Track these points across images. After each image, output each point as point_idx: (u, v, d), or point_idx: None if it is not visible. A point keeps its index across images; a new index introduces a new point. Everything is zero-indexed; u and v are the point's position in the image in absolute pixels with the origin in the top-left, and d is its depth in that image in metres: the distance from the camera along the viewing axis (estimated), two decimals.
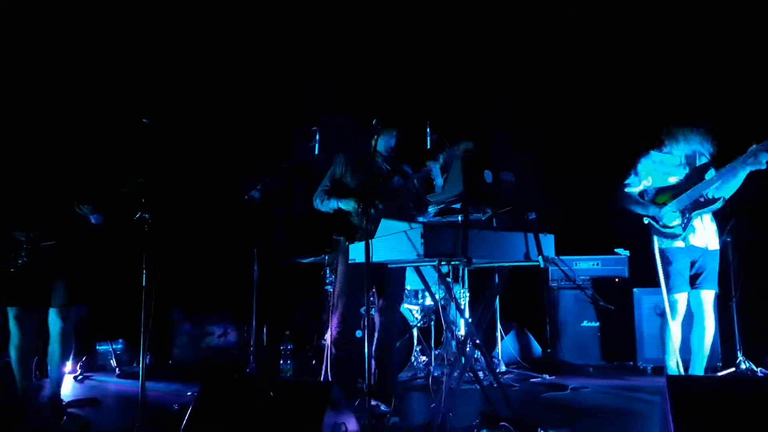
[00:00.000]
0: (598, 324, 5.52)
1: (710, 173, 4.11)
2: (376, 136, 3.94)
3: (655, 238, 4.20)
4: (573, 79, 5.83)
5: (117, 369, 5.43)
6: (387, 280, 3.87)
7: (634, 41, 5.62)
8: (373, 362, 3.61)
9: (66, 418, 3.49)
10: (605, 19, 5.68)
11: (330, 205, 3.96)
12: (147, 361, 3.36)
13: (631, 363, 5.31)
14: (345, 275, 3.84)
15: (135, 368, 5.37)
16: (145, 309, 3.25)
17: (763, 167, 3.90)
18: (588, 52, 5.80)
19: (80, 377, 5.12)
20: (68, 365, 4.51)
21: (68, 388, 4.64)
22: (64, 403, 3.76)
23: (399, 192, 3.97)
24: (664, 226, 4.15)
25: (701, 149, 4.18)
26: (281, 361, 5.16)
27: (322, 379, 3.91)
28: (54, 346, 3.66)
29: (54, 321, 3.63)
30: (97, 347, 5.69)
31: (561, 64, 5.85)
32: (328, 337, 3.92)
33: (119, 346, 5.69)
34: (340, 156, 4.08)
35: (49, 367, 3.71)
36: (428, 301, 5.16)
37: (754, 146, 3.88)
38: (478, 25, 5.99)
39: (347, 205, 3.89)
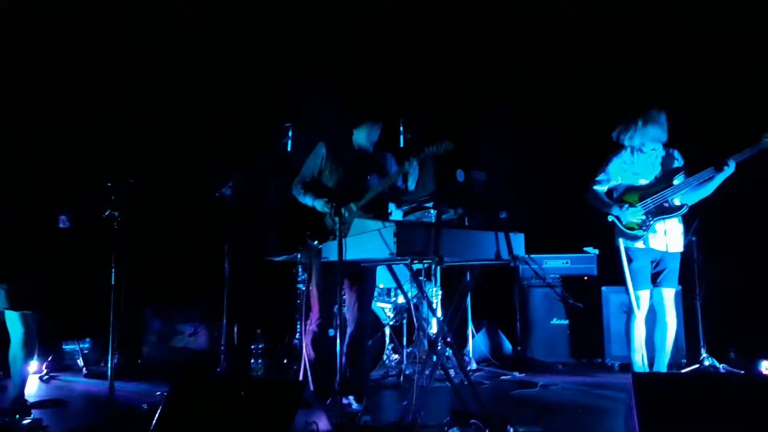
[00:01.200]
0: (567, 322, 5.60)
1: (679, 178, 4.20)
2: (361, 128, 3.91)
3: (619, 237, 4.29)
4: (545, 78, 5.88)
5: (84, 369, 5.33)
6: (360, 278, 3.86)
7: (608, 40, 5.69)
8: (344, 360, 3.60)
9: (30, 420, 3.41)
10: (580, 17, 5.74)
11: (306, 201, 3.90)
12: (115, 360, 3.31)
13: (599, 360, 5.40)
14: (319, 276, 3.82)
15: (103, 368, 5.26)
16: (114, 307, 3.21)
17: (725, 178, 4.01)
18: (558, 52, 5.86)
19: (46, 377, 5.02)
20: (33, 365, 4.43)
21: (33, 389, 4.55)
22: (28, 404, 3.69)
23: (373, 191, 3.92)
24: (627, 227, 4.24)
25: (657, 135, 4.24)
26: (252, 360, 5.12)
27: (300, 379, 3.87)
28: (15, 349, 3.57)
29: (13, 324, 3.54)
30: (64, 346, 5.58)
31: (534, 63, 5.91)
32: (304, 338, 3.89)
33: (86, 345, 5.58)
34: (322, 147, 3.95)
35: (11, 369, 3.62)
36: (400, 300, 5.17)
37: (724, 159, 3.98)
38: (451, 23, 6.01)
39: (321, 207, 3.81)
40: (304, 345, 3.85)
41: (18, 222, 3.58)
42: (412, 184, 3.78)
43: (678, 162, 4.30)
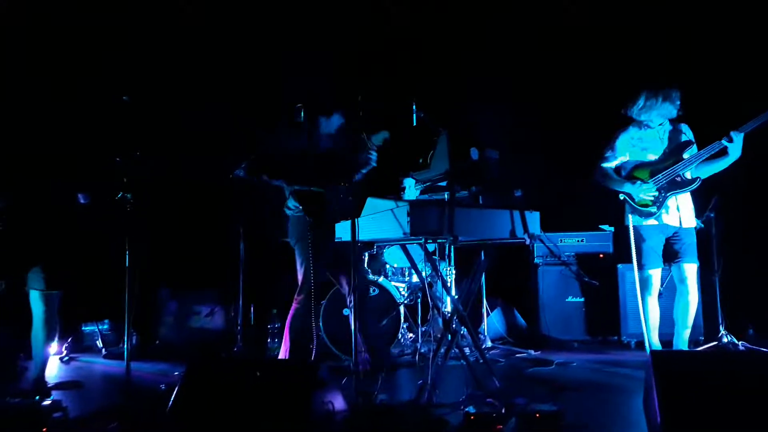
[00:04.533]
0: (582, 299, 5.57)
1: (689, 152, 4.13)
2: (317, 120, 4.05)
3: (629, 215, 4.25)
4: (558, 55, 5.79)
5: (103, 350, 5.40)
6: (338, 263, 3.94)
7: (618, 17, 5.59)
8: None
9: (50, 401, 3.46)
10: None
11: (262, 179, 4.06)
12: (133, 341, 3.35)
13: (615, 338, 5.37)
14: (302, 254, 3.97)
15: (121, 349, 5.32)
16: (129, 289, 3.22)
17: (737, 152, 3.93)
18: (573, 28, 5.76)
19: (66, 358, 5.09)
20: (53, 346, 4.48)
21: (54, 370, 4.62)
22: (48, 386, 3.74)
23: (347, 163, 4.00)
24: (640, 204, 4.18)
25: (669, 112, 4.16)
26: (268, 340, 5.16)
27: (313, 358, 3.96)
28: (37, 329, 3.62)
29: (36, 304, 3.59)
30: (83, 328, 5.65)
31: (548, 41, 5.82)
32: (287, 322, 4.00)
33: (105, 327, 5.65)
34: (281, 135, 4.12)
35: (33, 350, 3.67)
36: (414, 279, 5.17)
37: (733, 132, 3.92)
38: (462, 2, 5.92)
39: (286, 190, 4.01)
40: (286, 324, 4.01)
41: (46, 202, 3.62)
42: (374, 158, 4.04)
43: (686, 135, 4.23)
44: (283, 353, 4.02)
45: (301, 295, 3.97)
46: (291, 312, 4.01)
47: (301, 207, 3.98)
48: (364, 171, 4.07)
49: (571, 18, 5.71)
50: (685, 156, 4.11)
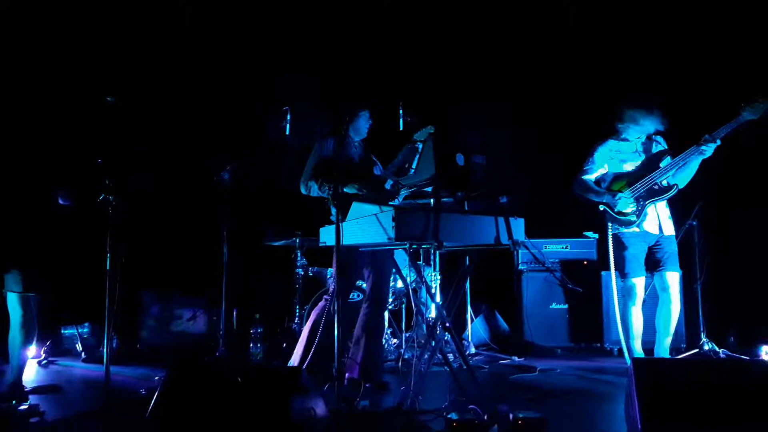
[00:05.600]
0: (566, 306, 5.59)
1: (665, 161, 4.21)
2: (354, 119, 3.93)
3: (609, 224, 4.29)
4: (543, 63, 5.83)
5: (83, 353, 5.33)
6: (376, 258, 3.87)
7: (602, 28, 5.65)
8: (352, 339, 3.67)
9: (27, 405, 3.40)
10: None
11: (313, 189, 3.84)
12: (114, 345, 3.30)
13: (598, 345, 5.40)
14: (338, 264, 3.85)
15: (101, 352, 5.26)
16: (109, 292, 3.18)
17: (709, 155, 3.99)
18: (562, 36, 5.80)
19: (44, 362, 5.01)
20: (32, 350, 4.41)
21: (31, 374, 4.54)
22: (26, 389, 3.68)
23: (380, 181, 3.94)
24: (619, 213, 4.24)
25: (655, 127, 4.22)
26: (251, 345, 5.12)
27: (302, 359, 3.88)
28: (14, 332, 3.56)
29: (13, 307, 3.53)
30: (63, 331, 5.57)
31: (537, 47, 5.85)
32: (309, 321, 3.91)
33: (85, 330, 5.57)
34: (330, 140, 3.91)
35: (9, 353, 3.60)
36: (399, 284, 5.16)
37: (706, 136, 3.97)
38: (449, 4, 5.94)
39: (351, 189, 3.75)
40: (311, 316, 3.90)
41: (25, 203, 3.57)
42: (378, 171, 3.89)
43: (661, 145, 4.32)
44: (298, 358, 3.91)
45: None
46: (316, 313, 3.88)
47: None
48: (401, 178, 3.92)
49: (559, 28, 5.76)
50: (662, 165, 4.19)
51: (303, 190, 3.92)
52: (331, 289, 3.88)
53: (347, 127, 3.92)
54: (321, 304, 3.93)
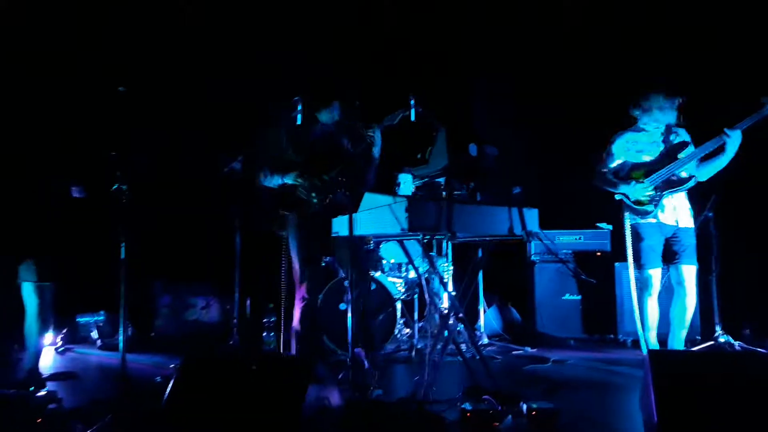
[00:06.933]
0: (579, 297, 5.57)
1: (684, 152, 4.14)
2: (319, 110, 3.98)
3: (626, 214, 4.25)
4: (557, 53, 5.78)
5: (99, 341, 5.39)
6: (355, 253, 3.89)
7: (617, 16, 5.58)
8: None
9: (45, 392, 3.45)
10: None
11: (274, 181, 3.96)
12: (129, 333, 3.33)
13: (612, 336, 5.38)
14: (299, 248, 3.86)
15: (117, 340, 5.31)
16: (124, 281, 3.21)
17: (733, 149, 3.94)
18: (575, 26, 5.74)
19: (61, 349, 5.08)
20: (48, 337, 4.47)
21: (48, 361, 4.60)
22: (43, 377, 3.72)
23: (349, 157, 3.94)
24: (636, 203, 4.19)
25: (672, 117, 4.17)
26: (264, 334, 5.15)
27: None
28: (30, 321, 3.59)
29: (29, 296, 3.57)
30: (78, 319, 5.64)
31: (545, 38, 5.80)
32: (294, 319, 3.94)
33: (101, 318, 5.64)
34: (281, 130, 4.03)
35: (26, 342, 3.65)
36: (412, 275, 5.16)
37: (726, 130, 3.92)
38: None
39: (290, 179, 3.89)
40: (294, 318, 3.93)
41: (41, 193, 3.60)
42: (376, 152, 3.88)
43: (682, 137, 4.25)
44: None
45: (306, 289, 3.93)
46: (299, 311, 3.91)
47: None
48: (370, 168, 3.98)
49: (572, 16, 5.70)
50: (680, 156, 4.13)
51: (259, 181, 4.05)
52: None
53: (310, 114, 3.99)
54: (300, 301, 3.94)
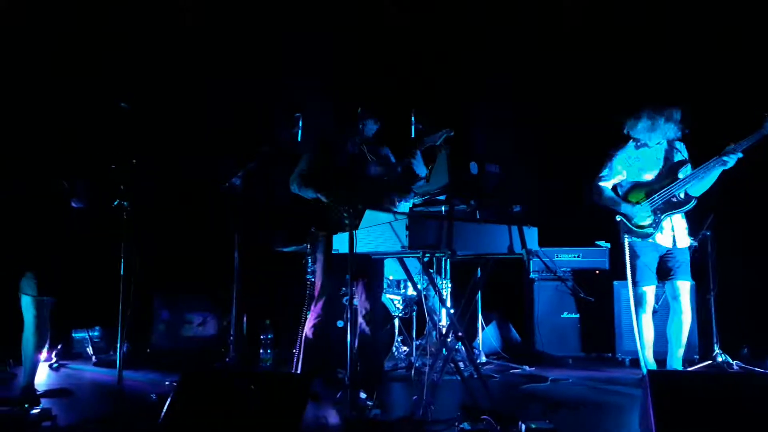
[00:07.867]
0: (578, 315, 5.56)
1: (684, 171, 4.14)
2: (360, 124, 3.93)
3: (624, 234, 4.25)
4: (559, 70, 5.82)
5: (93, 357, 5.35)
6: (364, 270, 3.86)
7: (615, 36, 5.63)
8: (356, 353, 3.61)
9: (39, 409, 3.41)
10: (589, 11, 5.70)
11: (308, 194, 3.94)
12: (124, 349, 3.31)
13: (610, 354, 5.36)
14: (325, 267, 3.83)
15: (112, 356, 5.27)
16: (124, 297, 3.19)
17: (731, 167, 3.95)
18: (570, 44, 5.79)
19: (55, 365, 5.03)
20: (43, 353, 4.43)
21: (43, 377, 4.56)
22: (38, 393, 3.69)
23: (377, 181, 3.94)
24: (636, 225, 4.20)
25: (673, 132, 4.17)
26: (261, 351, 5.11)
27: (295, 369, 3.92)
28: (27, 335, 3.57)
29: (27, 310, 3.55)
30: (73, 335, 5.59)
31: (543, 57, 5.84)
32: (306, 327, 3.92)
33: (96, 334, 5.59)
34: (318, 143, 4.02)
35: (22, 356, 3.62)
36: (410, 292, 5.14)
37: (731, 146, 3.92)
38: (465, 16, 5.94)
39: (325, 198, 3.85)
40: (304, 329, 3.91)
41: (40, 208, 3.60)
42: (421, 169, 3.81)
43: (681, 154, 4.24)
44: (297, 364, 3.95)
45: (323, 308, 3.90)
46: (312, 323, 3.89)
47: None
48: (414, 187, 3.91)
49: (571, 29, 5.75)
50: (680, 176, 4.13)
51: (292, 189, 4.01)
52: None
53: (347, 130, 3.96)
54: (316, 313, 3.89)
